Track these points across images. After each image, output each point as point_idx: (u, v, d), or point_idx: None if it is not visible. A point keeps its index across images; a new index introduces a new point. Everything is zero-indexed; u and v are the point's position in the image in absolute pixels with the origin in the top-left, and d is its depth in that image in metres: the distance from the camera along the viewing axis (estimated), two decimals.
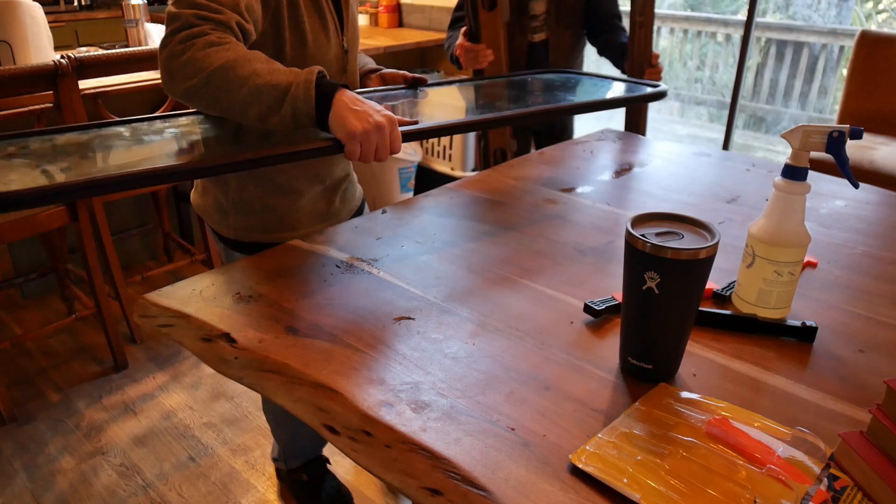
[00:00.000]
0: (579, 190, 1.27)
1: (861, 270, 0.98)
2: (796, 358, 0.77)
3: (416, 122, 1.02)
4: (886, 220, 1.17)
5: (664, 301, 0.67)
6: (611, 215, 1.15)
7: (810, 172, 0.84)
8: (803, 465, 0.60)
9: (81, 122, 1.88)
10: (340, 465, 1.72)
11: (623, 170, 1.39)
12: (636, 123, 1.94)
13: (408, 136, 0.99)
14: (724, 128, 3.06)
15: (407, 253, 1.01)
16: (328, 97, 0.92)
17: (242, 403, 2.00)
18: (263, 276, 0.93)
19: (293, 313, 0.84)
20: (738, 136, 4.23)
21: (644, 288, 0.67)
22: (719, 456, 0.61)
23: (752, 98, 4.37)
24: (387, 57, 3.05)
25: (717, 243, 0.66)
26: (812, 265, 0.99)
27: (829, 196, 1.26)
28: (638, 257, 0.67)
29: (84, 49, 2.49)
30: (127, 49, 1.95)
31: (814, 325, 0.80)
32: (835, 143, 0.78)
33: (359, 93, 1.24)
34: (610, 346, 0.78)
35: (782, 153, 4.14)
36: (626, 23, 1.90)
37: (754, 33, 2.96)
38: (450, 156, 2.92)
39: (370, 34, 3.28)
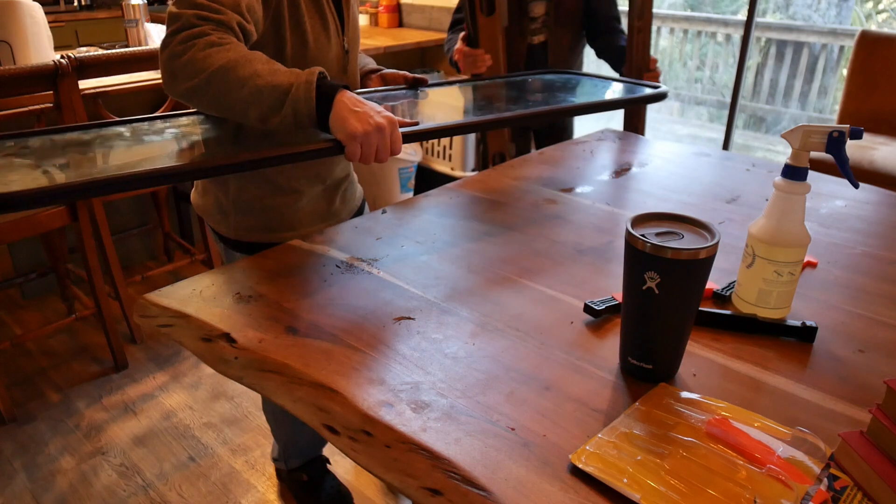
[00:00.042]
0: (579, 190, 1.27)
1: (861, 270, 0.98)
2: (796, 358, 0.77)
3: (416, 124, 1.02)
4: (886, 220, 1.17)
5: (664, 301, 0.67)
6: (610, 215, 1.15)
7: (810, 172, 0.84)
8: (803, 465, 0.60)
9: (81, 122, 1.88)
10: (340, 465, 1.72)
11: (623, 170, 1.39)
12: (635, 123, 1.94)
13: (408, 138, 0.99)
14: (724, 128, 3.06)
15: (407, 253, 1.01)
16: (329, 98, 0.92)
17: (242, 403, 2.00)
18: (263, 276, 0.93)
19: (293, 313, 0.84)
20: (738, 136, 4.24)
21: (644, 288, 0.68)
22: (719, 456, 0.61)
23: (752, 98, 4.37)
24: (387, 57, 3.05)
25: (717, 243, 0.66)
26: (812, 265, 0.99)
27: (829, 196, 1.26)
28: (638, 257, 0.67)
29: (84, 49, 2.49)
30: (127, 49, 1.95)
31: (814, 325, 0.80)
32: (835, 143, 0.78)
33: (359, 93, 1.24)
34: (610, 346, 0.78)
35: (782, 153, 4.14)
36: (624, 24, 1.91)
37: (754, 33, 2.96)
38: (450, 156, 2.92)
39: (370, 34, 3.28)
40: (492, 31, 1.78)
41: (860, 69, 2.90)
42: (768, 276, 0.82)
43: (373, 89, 1.30)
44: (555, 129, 2.11)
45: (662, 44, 4.50)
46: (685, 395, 0.69)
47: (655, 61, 1.83)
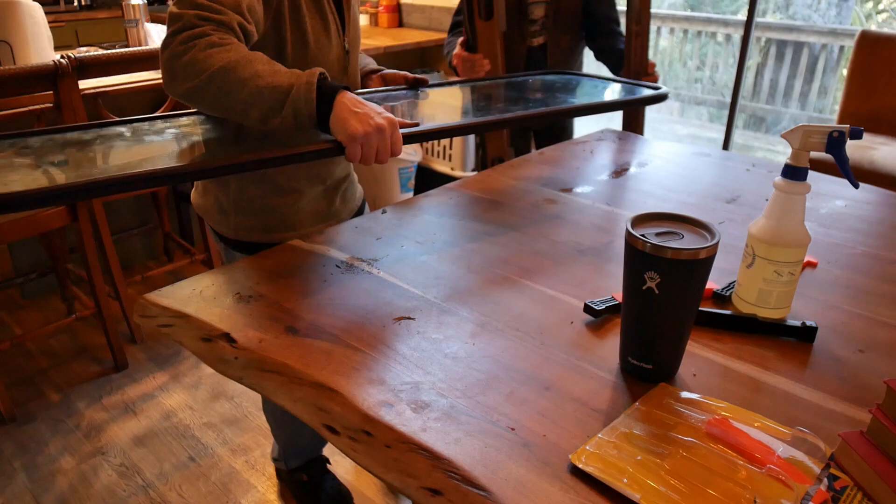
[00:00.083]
0: (579, 190, 1.27)
1: (861, 270, 0.98)
2: (796, 358, 0.77)
3: (416, 124, 1.02)
4: (886, 220, 1.17)
5: (664, 301, 0.67)
6: (610, 215, 1.15)
7: (810, 172, 0.84)
8: (803, 465, 0.60)
9: (81, 122, 1.88)
10: (340, 465, 1.72)
11: (623, 170, 1.39)
12: (634, 123, 1.94)
13: (408, 139, 0.99)
14: (724, 128, 3.06)
15: (407, 253, 1.01)
16: (329, 99, 0.92)
17: (242, 403, 2.00)
18: (263, 276, 0.93)
19: (293, 313, 0.84)
20: (738, 136, 4.24)
21: (644, 288, 0.68)
22: (719, 456, 0.61)
23: (752, 98, 4.37)
24: (387, 57, 3.05)
25: (717, 243, 0.67)
26: (812, 265, 0.99)
27: (829, 196, 1.26)
28: (638, 257, 0.68)
29: (84, 49, 2.49)
30: (127, 49, 1.95)
31: (814, 325, 0.80)
32: (835, 143, 0.78)
33: (359, 93, 1.24)
34: (610, 346, 0.78)
35: (782, 153, 4.14)
36: (623, 27, 1.91)
37: (754, 33, 2.96)
38: (450, 156, 2.92)
39: (370, 34, 3.28)
40: (490, 35, 1.78)
41: (860, 69, 2.90)
42: (768, 276, 0.82)
43: (373, 90, 1.30)
44: (555, 129, 2.11)
45: (662, 44, 4.50)
46: (685, 395, 0.69)
47: (654, 65, 1.84)
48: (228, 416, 1.95)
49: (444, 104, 1.39)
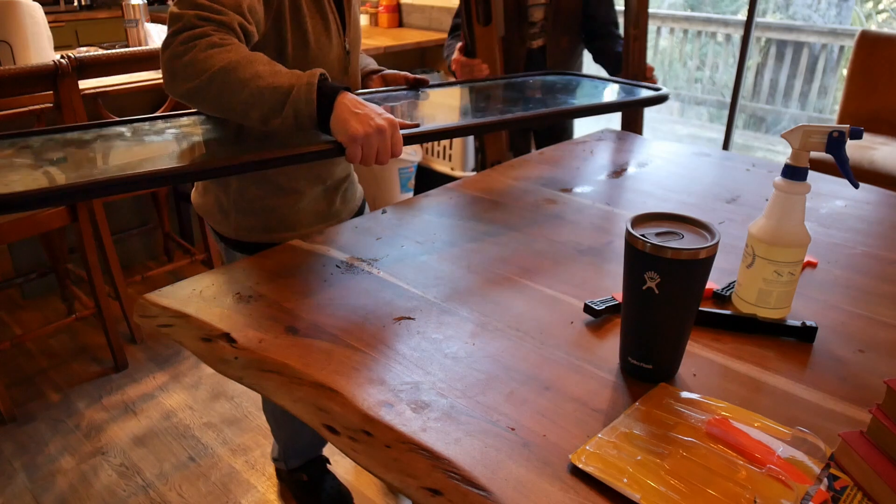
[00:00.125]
0: (579, 190, 1.27)
1: (861, 270, 0.98)
2: (796, 358, 0.77)
3: (417, 125, 1.02)
4: (886, 220, 1.17)
5: (664, 301, 0.67)
6: (610, 215, 1.15)
7: (810, 172, 0.84)
8: (803, 465, 0.60)
9: (81, 122, 1.88)
10: (340, 465, 1.72)
11: (622, 170, 1.39)
12: (633, 123, 1.94)
13: (409, 140, 0.99)
14: (724, 128, 3.06)
15: (407, 253, 1.01)
16: (330, 100, 0.92)
17: (242, 403, 2.00)
18: (263, 276, 0.93)
19: (293, 313, 0.84)
20: (738, 136, 4.24)
21: (644, 288, 0.68)
22: (719, 456, 0.61)
23: (752, 98, 4.37)
24: (387, 57, 3.05)
25: (717, 243, 0.67)
26: (812, 265, 0.99)
27: (829, 196, 1.26)
28: (638, 257, 0.68)
29: (84, 49, 2.49)
30: (127, 49, 1.95)
31: (814, 325, 0.80)
32: (835, 143, 0.78)
33: (360, 94, 1.24)
34: (610, 346, 0.78)
35: (782, 153, 4.14)
36: (621, 30, 1.91)
37: (754, 33, 2.96)
38: (450, 156, 2.92)
39: (370, 34, 3.28)
40: (488, 40, 1.78)
41: (860, 69, 2.90)
42: (768, 276, 0.82)
43: (374, 90, 1.30)
44: (555, 129, 2.11)
45: (662, 44, 4.50)
46: (685, 395, 0.69)
47: (652, 69, 1.83)
48: (228, 416, 1.95)
49: (444, 105, 1.39)
